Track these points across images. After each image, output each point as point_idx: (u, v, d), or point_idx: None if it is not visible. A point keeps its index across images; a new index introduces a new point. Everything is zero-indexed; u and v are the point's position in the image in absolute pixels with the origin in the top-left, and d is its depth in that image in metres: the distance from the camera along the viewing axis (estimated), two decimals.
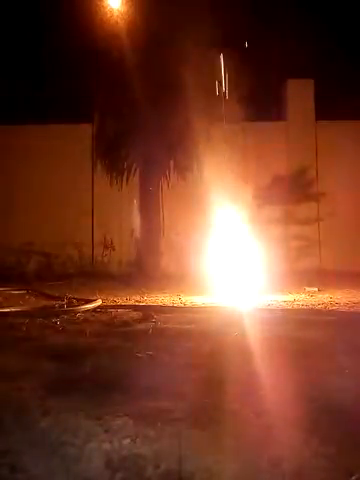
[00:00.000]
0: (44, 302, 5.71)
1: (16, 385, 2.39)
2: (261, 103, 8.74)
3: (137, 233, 9.29)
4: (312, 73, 9.24)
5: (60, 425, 1.90)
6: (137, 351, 3.01)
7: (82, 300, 5.40)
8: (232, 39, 8.17)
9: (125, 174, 9.30)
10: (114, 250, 9.22)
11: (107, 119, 9.34)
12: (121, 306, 5.24)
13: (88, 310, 4.80)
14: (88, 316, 4.53)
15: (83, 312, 4.69)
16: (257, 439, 1.77)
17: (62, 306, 5.12)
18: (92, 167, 9.40)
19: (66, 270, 8.89)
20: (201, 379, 2.47)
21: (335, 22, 9.39)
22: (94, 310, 4.86)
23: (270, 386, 2.33)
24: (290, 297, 5.93)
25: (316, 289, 6.57)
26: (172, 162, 9.13)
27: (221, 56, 8.41)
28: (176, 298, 5.92)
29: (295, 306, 5.26)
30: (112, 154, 9.31)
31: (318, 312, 4.87)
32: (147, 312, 4.58)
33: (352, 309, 4.98)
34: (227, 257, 7.00)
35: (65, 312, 4.69)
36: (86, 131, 9.47)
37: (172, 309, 5.06)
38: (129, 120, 8.90)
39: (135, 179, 9.34)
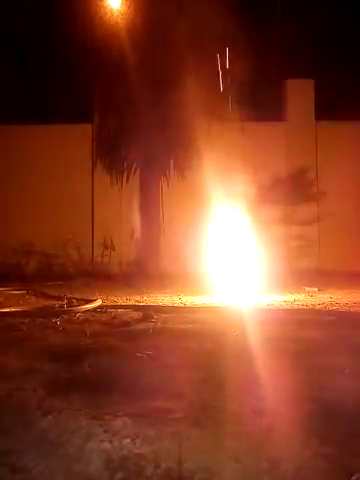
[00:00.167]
0: (44, 302, 5.71)
1: (16, 385, 2.39)
2: (261, 103, 8.72)
3: (137, 233, 9.29)
4: (312, 73, 9.24)
5: (60, 425, 1.90)
6: (137, 351, 3.01)
7: (82, 300, 5.39)
8: (232, 39, 8.17)
9: (125, 174, 9.30)
10: (114, 250, 9.21)
11: (107, 119, 9.33)
12: (121, 306, 5.23)
13: (88, 310, 4.80)
14: (88, 316, 4.53)
15: (83, 312, 4.69)
16: (257, 439, 1.77)
17: (62, 306, 5.11)
18: (92, 167, 9.39)
19: (66, 270, 8.88)
20: (201, 379, 2.47)
21: (335, 22, 9.38)
22: (94, 310, 4.86)
23: (270, 386, 2.33)
24: (290, 297, 5.93)
25: (316, 289, 6.57)
26: (172, 162, 9.13)
27: (221, 56, 8.41)
28: (176, 298, 5.91)
29: (295, 306, 5.26)
30: (112, 154, 9.30)
31: (318, 312, 4.87)
32: (147, 312, 4.57)
33: (352, 309, 4.98)
34: (227, 257, 7.00)
35: (65, 312, 4.69)
36: (86, 131, 9.46)
37: (172, 309, 5.06)
38: (129, 120, 8.89)
39: (135, 179, 9.33)
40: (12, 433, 1.83)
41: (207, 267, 6.89)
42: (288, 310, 4.99)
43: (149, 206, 9.28)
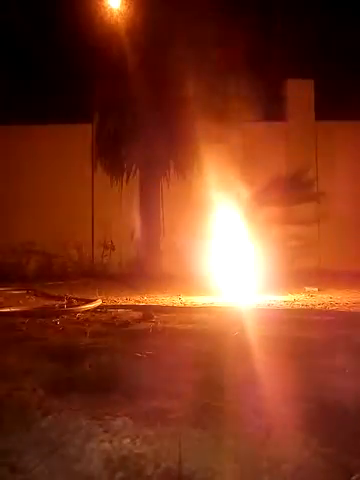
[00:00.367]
0: (44, 302, 5.71)
1: (16, 385, 2.39)
2: (261, 103, 8.72)
3: (137, 233, 9.29)
4: (312, 73, 9.24)
5: (60, 425, 1.90)
6: (137, 351, 3.01)
7: (82, 300, 5.39)
8: (232, 39, 8.17)
9: (125, 174, 9.30)
10: (114, 250, 9.21)
11: (107, 119, 9.34)
12: (121, 306, 5.24)
13: (88, 310, 4.80)
14: (88, 316, 4.53)
15: (83, 312, 4.69)
16: (257, 439, 1.77)
17: (62, 306, 5.11)
18: (92, 167, 9.39)
19: (66, 270, 8.89)
20: (201, 379, 2.47)
21: (335, 22, 9.38)
22: (94, 310, 4.86)
23: (270, 386, 2.33)
24: (290, 297, 5.93)
25: (316, 289, 6.57)
26: (172, 162, 9.13)
27: (221, 56, 8.40)
28: (176, 298, 5.92)
29: (295, 306, 5.26)
30: (112, 154, 9.30)
31: (318, 312, 4.87)
32: (147, 312, 4.57)
33: (352, 309, 4.98)
34: (227, 257, 7.00)
35: (65, 312, 4.69)
36: (86, 131, 9.47)
37: (172, 309, 5.05)
38: (129, 120, 8.90)
39: (135, 179, 9.34)
40: (12, 433, 1.83)
41: (207, 267, 6.89)
42: (288, 310, 4.99)
43: (149, 206, 9.29)
